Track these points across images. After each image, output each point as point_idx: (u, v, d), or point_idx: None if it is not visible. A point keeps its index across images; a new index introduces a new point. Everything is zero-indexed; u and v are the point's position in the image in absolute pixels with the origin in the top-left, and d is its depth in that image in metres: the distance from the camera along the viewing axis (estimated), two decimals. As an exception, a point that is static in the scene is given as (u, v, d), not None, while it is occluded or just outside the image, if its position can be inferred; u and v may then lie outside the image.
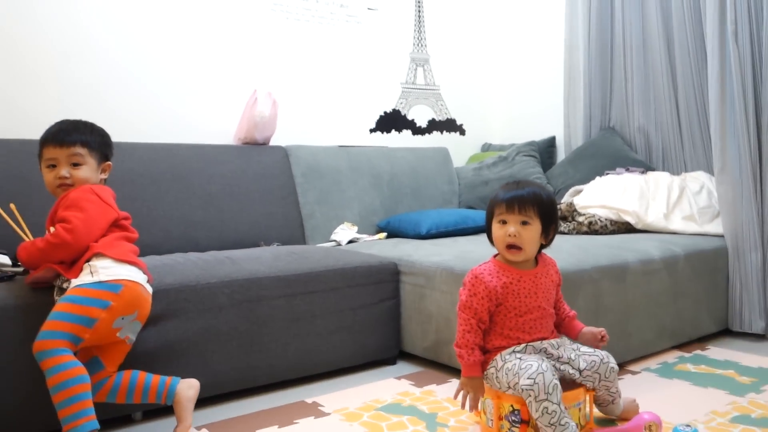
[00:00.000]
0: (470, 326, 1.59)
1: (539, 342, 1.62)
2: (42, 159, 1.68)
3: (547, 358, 1.60)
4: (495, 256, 1.69)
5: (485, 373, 1.61)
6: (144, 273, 1.67)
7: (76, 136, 1.67)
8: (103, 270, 1.56)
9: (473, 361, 1.58)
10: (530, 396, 1.46)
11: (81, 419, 1.42)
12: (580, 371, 1.60)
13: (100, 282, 1.53)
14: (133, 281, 1.60)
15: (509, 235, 1.59)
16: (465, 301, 1.61)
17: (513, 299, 1.60)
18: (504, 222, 1.61)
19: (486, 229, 1.69)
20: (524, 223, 1.59)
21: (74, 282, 1.55)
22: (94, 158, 1.70)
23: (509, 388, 1.55)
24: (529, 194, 1.60)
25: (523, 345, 1.60)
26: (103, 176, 1.74)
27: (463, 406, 1.63)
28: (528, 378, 1.46)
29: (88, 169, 1.69)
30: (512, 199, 1.59)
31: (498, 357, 1.60)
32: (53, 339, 1.45)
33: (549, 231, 1.64)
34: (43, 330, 1.46)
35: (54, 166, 1.66)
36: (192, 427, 1.64)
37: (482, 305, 1.59)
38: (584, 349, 1.65)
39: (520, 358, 1.54)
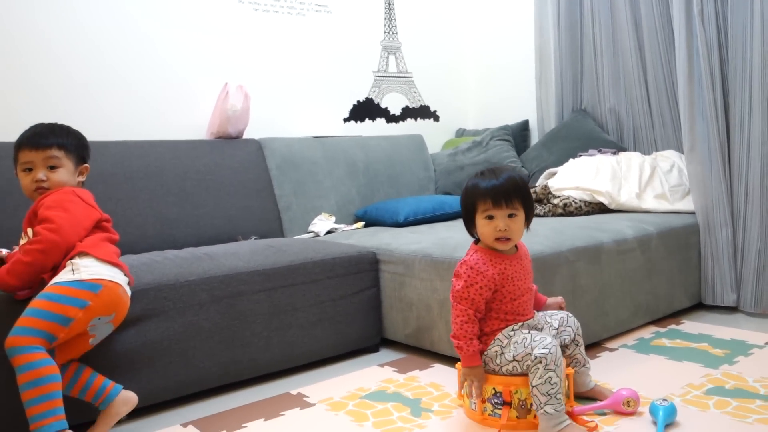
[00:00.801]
0: (468, 317, 1.60)
1: (531, 320, 1.70)
2: (18, 163, 1.66)
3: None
4: (476, 242, 1.71)
5: (486, 352, 1.64)
6: (126, 275, 1.66)
7: (52, 138, 1.65)
8: (84, 268, 1.54)
9: (473, 351, 1.60)
10: (540, 363, 1.52)
11: (50, 418, 1.41)
12: (557, 329, 1.71)
13: (80, 281, 1.52)
14: (114, 282, 1.59)
15: (499, 230, 1.60)
16: (461, 292, 1.61)
17: (509, 285, 1.64)
18: (491, 217, 1.61)
19: (465, 221, 1.68)
20: (511, 215, 1.61)
21: (54, 279, 1.53)
22: (71, 161, 1.68)
23: (513, 361, 1.58)
24: (511, 185, 1.60)
25: (519, 324, 1.65)
26: (81, 179, 1.72)
27: (470, 395, 1.65)
28: (543, 348, 1.53)
29: (65, 172, 1.66)
30: (497, 193, 1.59)
31: (500, 335, 1.64)
32: (27, 336, 1.43)
33: (529, 217, 1.67)
34: (17, 326, 1.45)
35: (30, 169, 1.64)
36: (134, 404, 1.65)
37: (480, 295, 1.61)
38: (550, 312, 1.78)
39: (529, 333, 1.60)
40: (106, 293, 1.55)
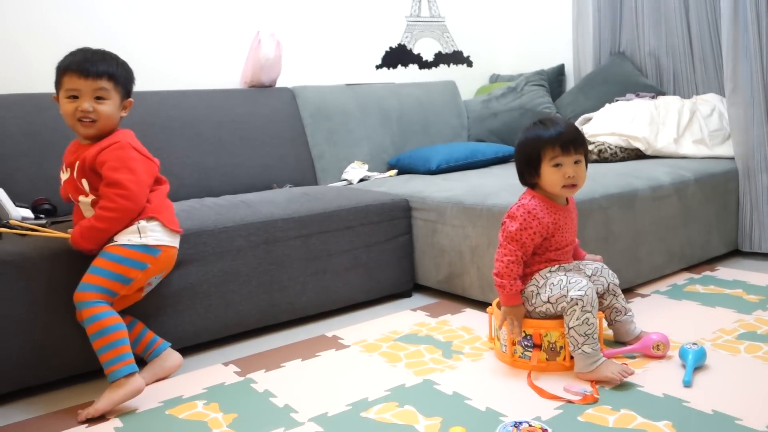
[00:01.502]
0: (516, 257, 1.63)
1: (567, 264, 1.72)
2: (61, 88, 1.57)
3: None
4: (532, 189, 1.70)
5: (522, 292, 1.67)
6: (178, 235, 1.73)
7: (103, 67, 1.57)
8: (151, 233, 1.61)
9: (516, 291, 1.64)
10: (577, 305, 1.55)
11: (119, 363, 1.51)
12: (589, 277, 1.72)
13: (145, 245, 1.59)
14: (171, 246, 1.67)
15: (569, 177, 1.61)
16: (513, 233, 1.63)
17: (558, 235, 1.67)
18: (558, 165, 1.61)
19: (524, 170, 1.67)
20: (577, 162, 1.63)
21: (119, 237, 1.59)
22: (119, 93, 1.61)
23: (548, 303, 1.62)
24: (574, 131, 1.62)
25: (557, 265, 1.68)
26: (124, 114, 1.65)
27: (510, 332, 1.67)
28: (579, 290, 1.57)
29: (112, 105, 1.59)
30: (566, 141, 1.60)
31: (537, 275, 1.67)
32: (92, 291, 1.53)
33: (587, 164, 1.68)
34: (83, 282, 1.54)
35: (76, 97, 1.56)
36: (178, 366, 1.75)
37: (531, 239, 1.63)
38: (586, 261, 1.78)
39: (566, 275, 1.63)
40: (164, 256, 1.65)
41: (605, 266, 1.77)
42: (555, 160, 1.61)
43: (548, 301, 1.62)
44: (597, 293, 1.72)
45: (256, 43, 2.77)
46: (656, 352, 1.66)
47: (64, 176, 1.66)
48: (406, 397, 1.54)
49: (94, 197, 1.62)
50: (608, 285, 1.74)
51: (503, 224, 1.68)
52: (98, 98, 1.57)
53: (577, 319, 1.56)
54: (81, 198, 1.64)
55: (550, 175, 1.63)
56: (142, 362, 1.68)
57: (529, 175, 1.67)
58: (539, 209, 1.64)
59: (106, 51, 1.63)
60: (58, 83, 1.59)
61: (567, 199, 1.73)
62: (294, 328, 2.09)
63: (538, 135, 1.63)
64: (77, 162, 1.61)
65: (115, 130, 1.65)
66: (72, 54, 1.59)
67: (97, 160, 1.58)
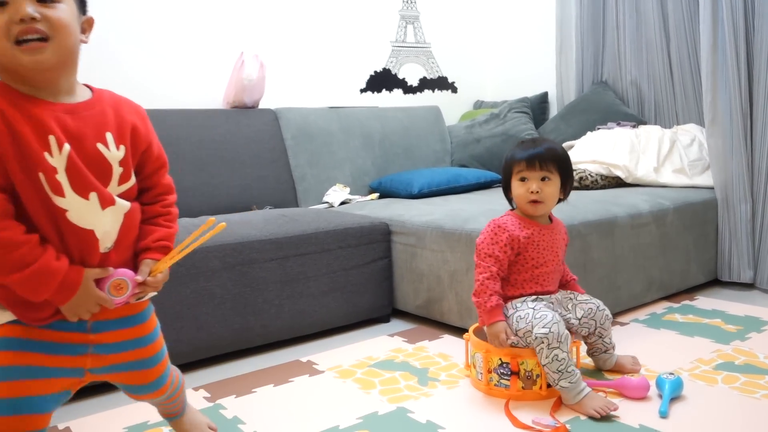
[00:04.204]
0: (491, 273, 1.61)
1: (547, 295, 1.68)
2: None
3: (555, 308, 1.67)
4: (512, 210, 1.73)
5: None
6: None
7: None
8: None
9: (492, 306, 1.59)
10: (543, 344, 1.53)
11: None
12: (579, 319, 1.69)
13: None
14: None
15: (531, 192, 1.62)
16: (484, 248, 1.64)
17: (533, 250, 1.65)
18: (524, 179, 1.64)
19: (504, 187, 1.73)
20: (544, 179, 1.63)
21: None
22: (74, 1, 1.03)
23: (516, 335, 1.59)
24: (548, 150, 1.64)
25: (533, 296, 1.66)
26: (84, 38, 1.07)
27: (503, 345, 1.60)
28: (543, 327, 1.53)
29: (68, 12, 1.00)
30: (532, 156, 1.63)
31: (509, 305, 1.65)
32: None
33: (566, 185, 1.69)
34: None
35: (4, 3, 0.94)
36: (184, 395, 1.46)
37: (503, 251, 1.63)
38: (581, 297, 1.74)
39: (533, 308, 1.60)
40: None
41: (602, 308, 1.71)
42: (520, 174, 1.64)
43: (516, 334, 1.60)
44: (582, 334, 1.71)
45: (239, 64, 2.77)
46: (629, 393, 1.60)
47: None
48: (379, 425, 1.50)
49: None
50: (595, 329, 1.70)
51: (476, 245, 1.67)
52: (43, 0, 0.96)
53: (546, 357, 1.53)
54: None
55: (516, 189, 1.66)
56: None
57: (505, 190, 1.72)
58: (510, 223, 1.65)
59: None
60: None
61: (551, 219, 1.72)
62: (268, 353, 2.05)
63: (513, 152, 1.68)
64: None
65: (76, 66, 1.05)
66: None
67: (145, 122, 1.15)
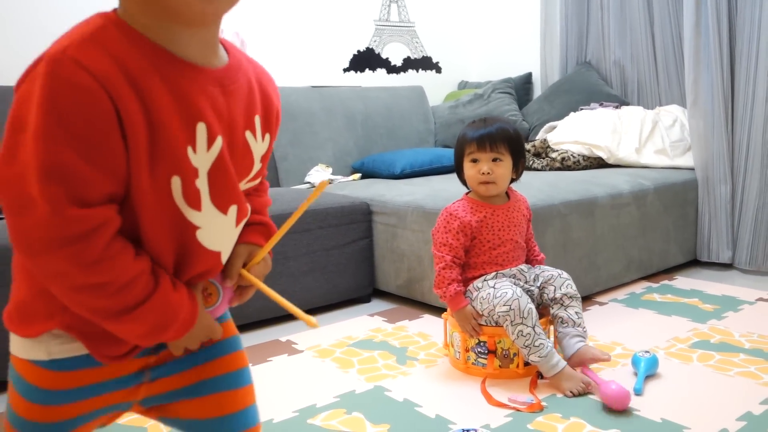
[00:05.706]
0: (446, 262, 1.61)
1: (509, 269, 1.65)
2: None
3: (517, 282, 1.64)
4: (467, 193, 1.71)
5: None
6: None
7: None
8: None
9: (452, 294, 1.60)
10: (507, 321, 1.53)
11: None
12: (539, 288, 1.68)
13: None
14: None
15: (482, 173, 1.61)
16: (438, 237, 1.64)
17: (487, 232, 1.64)
18: (475, 160, 1.63)
19: (456, 169, 1.71)
20: (496, 159, 1.62)
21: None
22: None
23: (482, 315, 1.60)
24: (498, 131, 1.62)
25: (493, 273, 1.64)
26: None
27: (471, 335, 1.62)
28: (504, 305, 1.53)
29: None
30: (482, 137, 1.61)
31: (471, 287, 1.65)
32: None
33: (519, 165, 1.67)
34: None
35: None
36: None
37: (457, 240, 1.62)
38: (544, 267, 1.73)
39: (493, 287, 1.59)
40: None
41: (563, 275, 1.68)
42: (471, 156, 1.64)
43: (482, 314, 1.61)
44: (545, 303, 1.69)
45: (219, 42, 2.72)
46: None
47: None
48: (355, 403, 1.50)
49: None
50: (560, 296, 1.65)
51: (432, 235, 1.67)
52: None
53: (512, 334, 1.54)
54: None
55: (468, 170, 1.65)
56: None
57: (458, 171, 1.70)
58: (461, 210, 1.64)
59: None
60: None
61: (508, 196, 1.70)
62: (248, 333, 2.04)
63: (464, 132, 1.66)
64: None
65: None
66: None
67: (277, 96, 0.84)
